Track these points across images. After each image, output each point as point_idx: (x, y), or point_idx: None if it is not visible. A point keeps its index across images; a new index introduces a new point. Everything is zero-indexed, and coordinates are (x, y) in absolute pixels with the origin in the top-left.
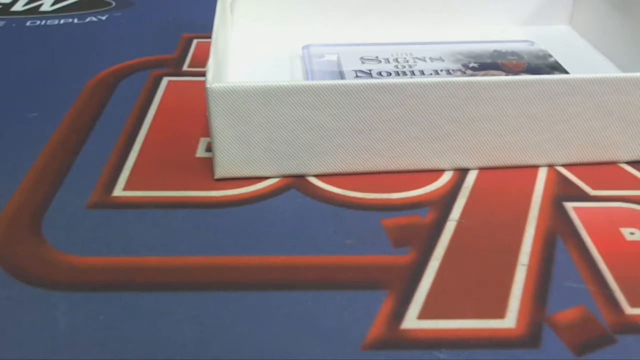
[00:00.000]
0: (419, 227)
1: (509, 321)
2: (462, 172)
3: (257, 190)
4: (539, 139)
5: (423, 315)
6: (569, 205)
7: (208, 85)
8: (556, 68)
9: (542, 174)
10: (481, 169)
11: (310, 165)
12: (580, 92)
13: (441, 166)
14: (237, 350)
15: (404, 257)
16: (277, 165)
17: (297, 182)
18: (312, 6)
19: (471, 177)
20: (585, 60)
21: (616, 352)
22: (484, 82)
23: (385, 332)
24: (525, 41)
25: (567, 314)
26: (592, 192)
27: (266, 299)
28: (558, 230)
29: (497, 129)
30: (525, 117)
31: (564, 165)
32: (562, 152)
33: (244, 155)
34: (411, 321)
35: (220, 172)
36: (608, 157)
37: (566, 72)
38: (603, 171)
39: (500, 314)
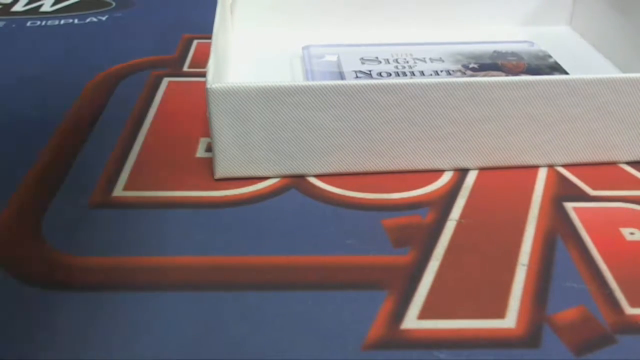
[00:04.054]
0: (419, 227)
1: (509, 321)
2: (462, 172)
3: (257, 190)
4: (539, 139)
5: (423, 315)
6: (569, 205)
7: (208, 86)
8: (556, 69)
9: (542, 174)
10: (481, 169)
11: (310, 165)
12: (581, 93)
13: (441, 166)
14: (237, 350)
15: (404, 257)
16: (277, 165)
17: (297, 182)
18: (312, 7)
19: (471, 177)
20: (585, 61)
21: (616, 352)
22: (483, 83)
23: (385, 332)
24: (525, 42)
25: (567, 314)
26: (592, 192)
27: (266, 299)
28: (558, 230)
29: (497, 129)
30: (525, 118)
31: (564, 166)
32: (562, 153)
33: (244, 156)
34: (411, 321)
35: (220, 172)
36: (608, 158)
37: (566, 73)
38: (603, 171)
39: (500, 314)
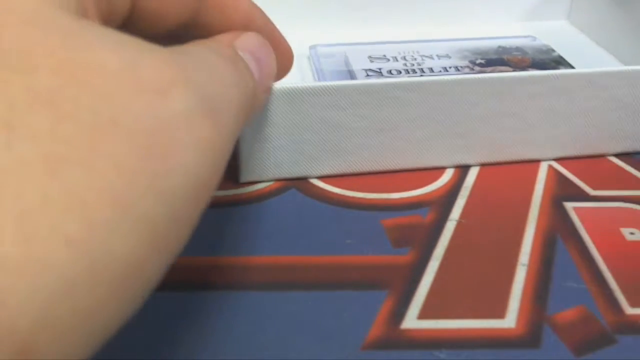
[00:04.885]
0: (419, 227)
1: (509, 321)
2: (462, 172)
3: (257, 190)
4: (556, 132)
5: (423, 315)
6: (569, 205)
7: None
8: (561, 63)
9: (542, 174)
10: (499, 164)
11: (333, 165)
12: (598, 86)
13: (463, 162)
14: (237, 350)
15: (404, 257)
16: (302, 167)
17: (297, 182)
18: (308, 7)
19: (471, 177)
20: (586, 54)
21: (616, 352)
22: (505, 78)
23: (385, 332)
24: (528, 37)
25: (567, 314)
26: (592, 192)
27: (266, 299)
28: (558, 230)
29: (517, 124)
30: (544, 112)
31: (578, 158)
32: (578, 144)
33: (269, 158)
34: (411, 321)
35: (245, 176)
36: (624, 149)
37: (571, 67)
38: (603, 171)
39: (500, 314)
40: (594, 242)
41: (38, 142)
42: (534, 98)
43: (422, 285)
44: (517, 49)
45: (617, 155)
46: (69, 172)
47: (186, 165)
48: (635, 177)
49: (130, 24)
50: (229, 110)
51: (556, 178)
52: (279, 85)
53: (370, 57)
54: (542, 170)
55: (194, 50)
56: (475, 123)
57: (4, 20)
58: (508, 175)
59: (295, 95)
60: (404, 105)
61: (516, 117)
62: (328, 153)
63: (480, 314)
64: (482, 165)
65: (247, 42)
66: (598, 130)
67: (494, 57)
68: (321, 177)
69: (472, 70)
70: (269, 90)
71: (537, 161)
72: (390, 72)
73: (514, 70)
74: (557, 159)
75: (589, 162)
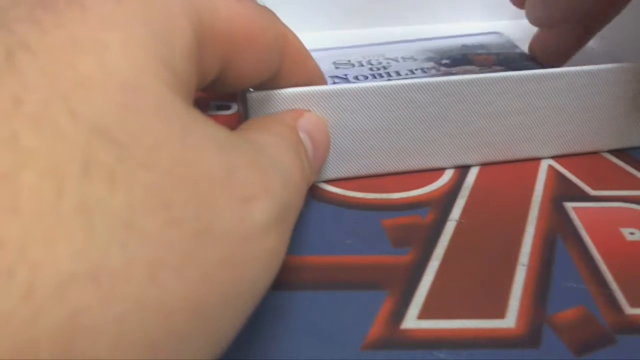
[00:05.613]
0: (419, 227)
1: (509, 321)
2: (462, 172)
3: None
4: (563, 129)
5: (423, 315)
6: (569, 205)
7: (247, 94)
8: (526, 58)
9: (542, 175)
10: (507, 162)
11: (346, 169)
12: (603, 82)
13: (470, 162)
14: (237, 350)
15: (404, 257)
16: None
17: None
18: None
19: (471, 177)
20: None
21: (616, 352)
22: (515, 77)
23: (385, 332)
24: (492, 33)
25: (567, 314)
26: (592, 192)
27: (266, 299)
28: (558, 230)
29: (526, 121)
30: (551, 109)
31: (579, 154)
32: (585, 141)
33: None
34: (411, 321)
35: None
36: (632, 143)
37: (539, 63)
38: (604, 171)
39: (500, 314)
40: (594, 242)
41: (147, 245)
42: (543, 95)
43: (422, 285)
44: (482, 46)
45: (620, 150)
46: (164, 279)
47: (253, 276)
48: (635, 177)
49: (216, 83)
50: (293, 214)
51: (556, 178)
52: (288, 89)
53: (335, 63)
54: (542, 170)
55: (270, 145)
56: (486, 121)
57: (132, 103)
58: (508, 176)
59: (310, 98)
60: (416, 106)
61: (525, 115)
62: (342, 156)
63: (480, 314)
64: (484, 164)
65: (307, 123)
66: (601, 126)
67: (458, 56)
68: (331, 181)
69: (438, 72)
70: (319, 171)
71: (538, 159)
72: (356, 77)
73: (480, 69)
74: (558, 156)
75: (589, 162)
